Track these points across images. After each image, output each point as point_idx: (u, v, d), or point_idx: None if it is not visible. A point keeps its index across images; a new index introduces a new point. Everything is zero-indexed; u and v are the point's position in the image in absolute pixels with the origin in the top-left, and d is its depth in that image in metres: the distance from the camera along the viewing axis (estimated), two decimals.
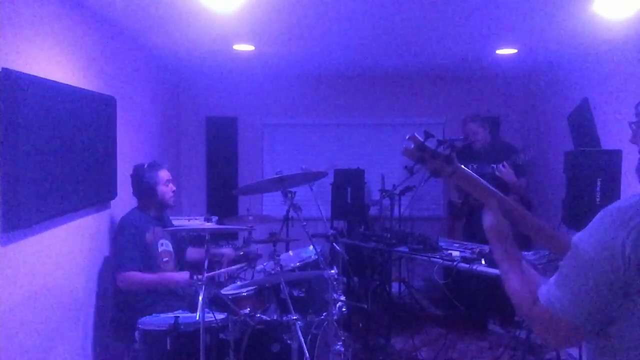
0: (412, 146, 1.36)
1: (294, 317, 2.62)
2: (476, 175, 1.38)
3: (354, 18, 3.32)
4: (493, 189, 1.37)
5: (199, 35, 3.71)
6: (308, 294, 3.07)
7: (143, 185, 3.25)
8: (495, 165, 4.12)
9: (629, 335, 1.02)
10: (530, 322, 1.16)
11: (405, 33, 3.73)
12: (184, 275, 3.05)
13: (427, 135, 1.39)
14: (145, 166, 3.28)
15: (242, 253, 3.52)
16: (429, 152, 1.36)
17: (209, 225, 3.06)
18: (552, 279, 1.12)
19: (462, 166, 1.38)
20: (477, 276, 3.45)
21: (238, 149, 5.69)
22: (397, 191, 4.33)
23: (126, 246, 3.07)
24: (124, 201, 3.53)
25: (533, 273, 1.25)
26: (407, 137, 1.37)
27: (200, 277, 2.58)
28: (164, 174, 3.28)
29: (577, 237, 1.08)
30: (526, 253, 3.19)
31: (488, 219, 1.33)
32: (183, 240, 3.56)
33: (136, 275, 3.01)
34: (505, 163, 4.11)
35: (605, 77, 4.00)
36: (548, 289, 1.11)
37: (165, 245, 3.28)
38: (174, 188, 3.35)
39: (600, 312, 1.03)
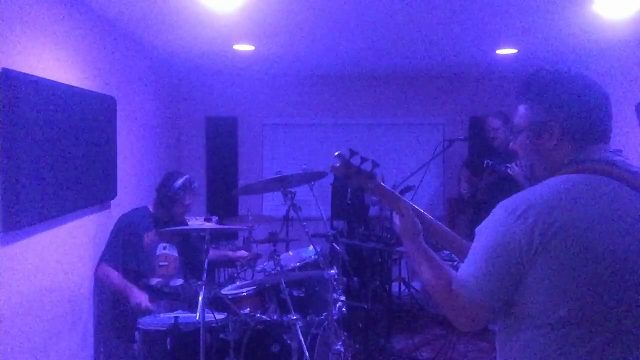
0: (338, 164, 1.53)
1: (294, 317, 2.62)
2: (393, 191, 1.54)
3: (354, 18, 3.32)
4: (406, 200, 1.52)
5: (199, 35, 3.71)
6: (308, 294, 3.07)
7: (166, 194, 3.28)
8: (508, 165, 4.09)
9: (528, 301, 1.15)
10: (445, 307, 1.26)
11: (405, 33, 3.73)
12: (141, 296, 2.99)
13: (352, 153, 1.55)
14: (180, 182, 3.28)
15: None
16: (353, 169, 1.53)
17: (209, 225, 3.06)
18: (462, 265, 1.26)
19: (382, 183, 1.55)
20: None
21: (238, 149, 5.69)
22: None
23: (112, 243, 3.15)
24: (124, 201, 3.53)
25: (446, 266, 1.35)
26: (335, 154, 1.53)
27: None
28: (188, 198, 3.30)
29: (480, 226, 1.23)
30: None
31: (398, 220, 1.48)
32: (200, 241, 3.54)
33: (109, 272, 3.08)
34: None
35: (605, 77, 4.00)
36: (459, 275, 1.25)
37: (167, 249, 3.27)
38: (188, 211, 3.38)
39: (501, 291, 1.17)
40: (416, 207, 1.53)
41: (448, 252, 1.83)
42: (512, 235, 1.14)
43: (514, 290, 1.17)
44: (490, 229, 1.20)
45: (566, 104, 1.24)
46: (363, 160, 1.55)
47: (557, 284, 1.11)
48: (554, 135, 1.24)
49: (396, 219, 1.50)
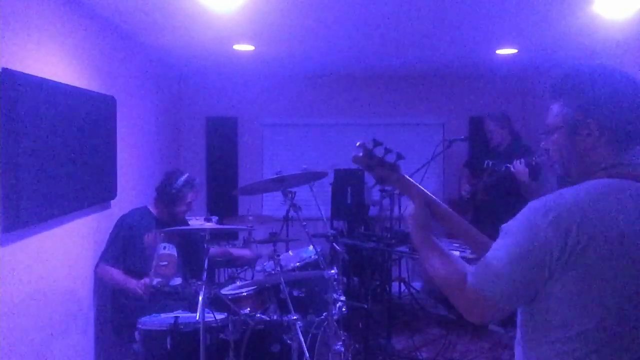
0: (361, 154, 1.47)
1: (294, 317, 2.62)
2: (416, 184, 1.48)
3: (354, 18, 3.32)
4: (427, 192, 1.48)
5: (199, 35, 3.71)
6: (308, 294, 3.07)
7: (168, 192, 3.29)
8: (509, 165, 4.08)
9: (554, 312, 1.12)
10: (458, 301, 1.22)
11: (405, 33, 3.72)
12: (140, 282, 2.99)
13: (376, 144, 1.48)
14: (182, 180, 3.29)
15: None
16: (376, 160, 1.48)
17: (209, 225, 3.05)
18: (481, 261, 1.20)
19: (406, 175, 1.49)
20: None
21: (238, 149, 5.69)
22: (397, 191, 4.33)
23: (112, 243, 3.17)
24: (124, 201, 3.53)
25: (456, 257, 1.31)
26: (357, 144, 1.47)
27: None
28: (191, 197, 3.33)
29: (508, 225, 1.18)
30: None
31: (409, 209, 1.45)
32: (200, 241, 3.54)
33: (109, 271, 3.10)
34: (522, 160, 4.02)
35: None
36: (478, 271, 1.20)
37: (167, 249, 3.27)
38: (190, 209, 3.41)
39: (522, 295, 1.15)
40: (437, 201, 1.48)
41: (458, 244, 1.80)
42: (544, 241, 1.09)
43: (535, 294, 1.14)
44: (521, 230, 1.14)
45: (606, 101, 1.17)
46: (387, 151, 1.48)
47: (586, 295, 1.08)
48: (592, 134, 1.18)
49: (409, 205, 1.46)
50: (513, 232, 1.15)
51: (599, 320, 1.08)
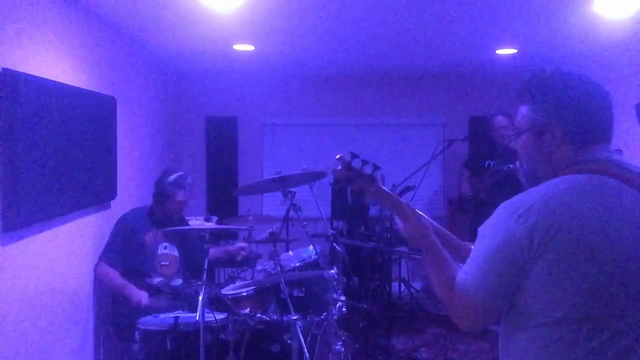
0: (340, 167, 1.51)
1: (294, 317, 2.62)
2: (394, 195, 1.51)
3: (354, 18, 3.32)
4: (406, 203, 1.49)
5: (199, 35, 3.72)
6: (308, 294, 3.07)
7: (159, 192, 3.28)
8: (511, 165, 4.07)
9: (528, 303, 1.16)
10: (447, 306, 1.27)
11: (405, 33, 3.73)
12: (141, 294, 3.00)
13: (353, 156, 1.52)
14: (172, 178, 3.27)
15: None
16: (354, 172, 1.51)
17: (209, 225, 3.05)
18: (464, 266, 1.25)
19: (383, 187, 1.52)
20: None
21: (238, 149, 5.69)
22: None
23: (112, 242, 3.16)
24: (124, 201, 3.54)
25: (453, 265, 1.33)
26: (336, 158, 1.51)
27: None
28: (181, 195, 3.28)
29: (482, 226, 1.24)
30: None
31: (403, 227, 1.45)
32: (200, 241, 3.53)
33: (107, 271, 3.09)
34: None
35: (605, 77, 4.00)
36: (460, 275, 1.25)
37: (168, 249, 3.27)
38: (182, 209, 3.38)
39: (502, 290, 1.18)
40: (416, 210, 1.50)
41: None
42: (513, 235, 1.14)
43: (515, 290, 1.17)
44: (492, 230, 1.20)
45: (568, 105, 1.24)
46: (364, 163, 1.53)
47: (557, 283, 1.12)
48: (555, 137, 1.24)
49: (399, 222, 1.49)
50: (486, 233, 1.22)
51: (570, 306, 1.12)
